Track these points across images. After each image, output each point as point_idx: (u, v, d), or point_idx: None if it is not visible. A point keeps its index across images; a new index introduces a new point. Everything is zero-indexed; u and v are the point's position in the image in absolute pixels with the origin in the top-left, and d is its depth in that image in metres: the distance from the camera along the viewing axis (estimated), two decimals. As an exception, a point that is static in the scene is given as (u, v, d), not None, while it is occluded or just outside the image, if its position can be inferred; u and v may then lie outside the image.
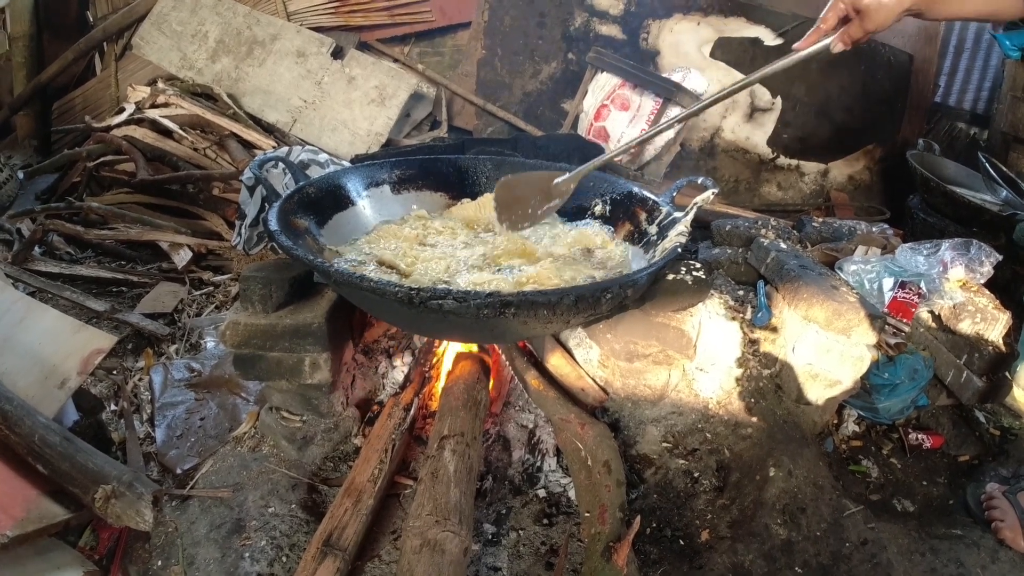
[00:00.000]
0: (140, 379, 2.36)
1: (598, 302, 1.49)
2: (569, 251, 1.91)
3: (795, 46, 1.48)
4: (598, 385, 1.97)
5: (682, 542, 1.73)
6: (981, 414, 2.24)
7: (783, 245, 2.27)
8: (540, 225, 2.03)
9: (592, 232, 2.02)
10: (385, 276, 1.70)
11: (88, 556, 1.65)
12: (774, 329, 2.06)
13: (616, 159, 3.66)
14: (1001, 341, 2.09)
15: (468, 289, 1.51)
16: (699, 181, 1.85)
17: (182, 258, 3.18)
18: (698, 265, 1.88)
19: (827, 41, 1.44)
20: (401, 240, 1.91)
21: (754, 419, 1.93)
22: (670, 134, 3.79)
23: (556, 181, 1.82)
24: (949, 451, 2.16)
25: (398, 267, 1.76)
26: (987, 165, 3.36)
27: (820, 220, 2.73)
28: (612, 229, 2.04)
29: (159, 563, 1.64)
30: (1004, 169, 3.39)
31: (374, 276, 1.52)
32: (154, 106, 4.04)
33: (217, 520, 1.72)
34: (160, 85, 4.18)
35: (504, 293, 1.36)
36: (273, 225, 1.59)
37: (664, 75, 3.87)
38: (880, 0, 1.35)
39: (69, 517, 1.63)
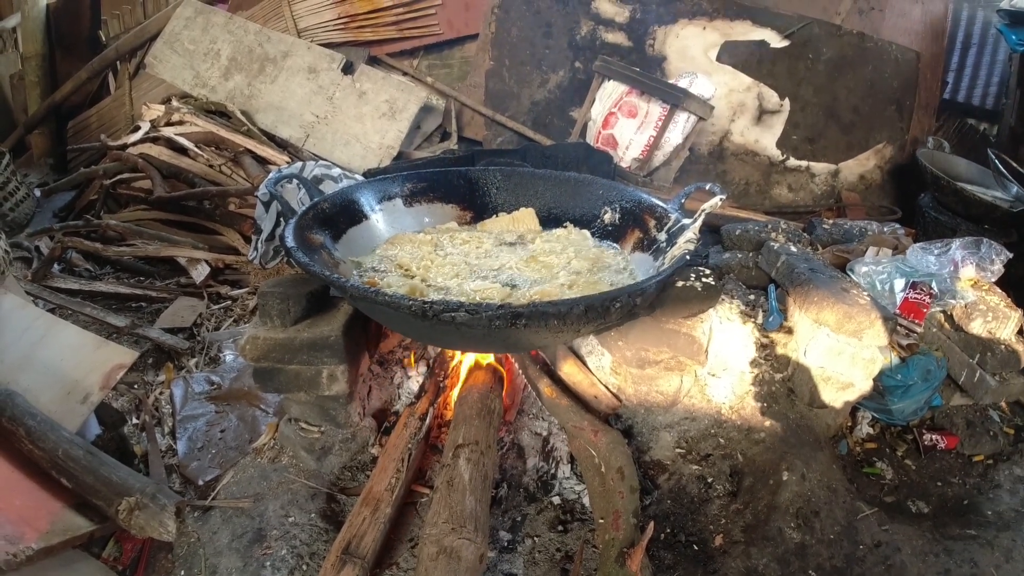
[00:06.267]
0: (161, 393, 2.40)
1: (608, 311, 1.51)
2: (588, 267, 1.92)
3: None
4: (611, 392, 1.98)
5: (696, 547, 1.74)
6: (995, 413, 2.23)
7: (793, 248, 2.27)
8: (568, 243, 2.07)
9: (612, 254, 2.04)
10: (400, 281, 1.73)
11: (112, 567, 1.69)
12: (786, 332, 2.07)
13: (625, 166, 3.68)
14: (1013, 339, 2.08)
15: (480, 301, 1.53)
16: (707, 187, 1.87)
17: (200, 273, 3.22)
18: (708, 271, 1.89)
19: None
20: (418, 246, 1.95)
21: (767, 423, 1.94)
22: (679, 139, 3.81)
23: None
24: (963, 451, 2.16)
25: (411, 271, 1.79)
26: (996, 161, 3.35)
27: (831, 222, 2.74)
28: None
29: (182, 573, 1.68)
30: (1014, 164, 3.37)
31: (388, 290, 1.55)
32: (169, 124, 4.11)
33: (238, 530, 1.75)
34: (174, 103, 4.25)
35: (515, 304, 1.39)
36: (290, 242, 1.62)
37: (671, 81, 3.89)
38: None
39: (93, 529, 1.67)
